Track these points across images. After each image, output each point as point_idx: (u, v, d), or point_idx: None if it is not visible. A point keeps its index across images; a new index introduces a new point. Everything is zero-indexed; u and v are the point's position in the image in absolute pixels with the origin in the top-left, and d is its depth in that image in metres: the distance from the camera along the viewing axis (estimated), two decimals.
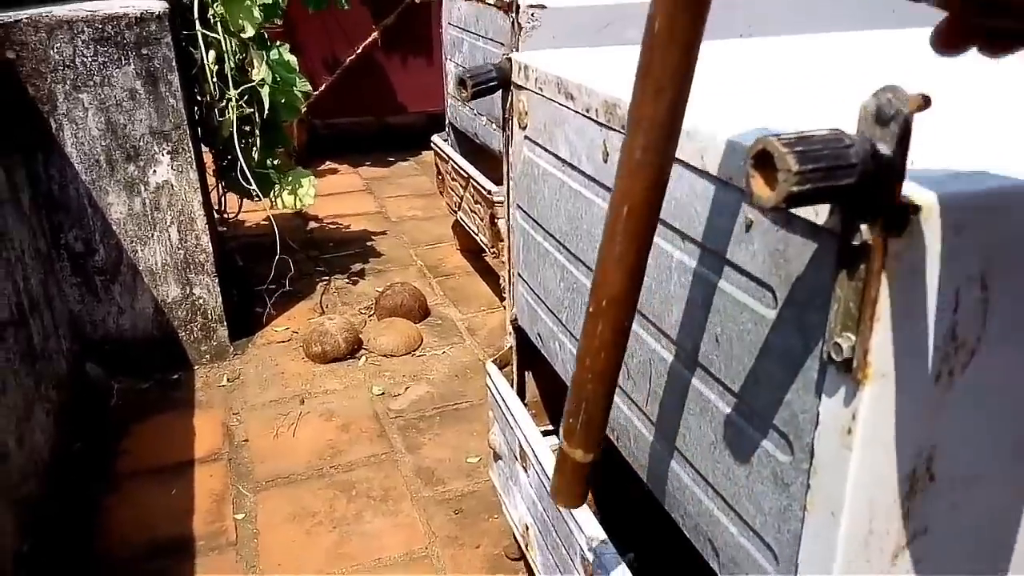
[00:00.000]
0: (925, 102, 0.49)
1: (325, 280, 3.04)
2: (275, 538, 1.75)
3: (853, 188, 0.49)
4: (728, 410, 0.76)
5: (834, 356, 0.57)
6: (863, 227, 0.53)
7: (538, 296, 1.28)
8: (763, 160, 0.48)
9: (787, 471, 0.69)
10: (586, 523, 1.05)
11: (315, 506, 1.85)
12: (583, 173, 1.01)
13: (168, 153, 2.22)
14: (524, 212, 1.27)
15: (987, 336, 0.59)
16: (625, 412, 1.01)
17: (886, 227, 0.52)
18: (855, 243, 0.53)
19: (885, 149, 0.50)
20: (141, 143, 2.19)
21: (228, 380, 2.38)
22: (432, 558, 1.69)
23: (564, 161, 1.06)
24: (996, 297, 0.57)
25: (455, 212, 2.96)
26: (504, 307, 1.65)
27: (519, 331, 1.44)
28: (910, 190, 0.53)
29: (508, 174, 1.31)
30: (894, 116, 0.49)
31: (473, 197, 2.66)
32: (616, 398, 1.02)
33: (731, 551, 0.79)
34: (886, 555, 0.65)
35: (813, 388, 0.63)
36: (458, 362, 2.50)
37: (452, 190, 2.92)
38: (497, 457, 1.50)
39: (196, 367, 2.44)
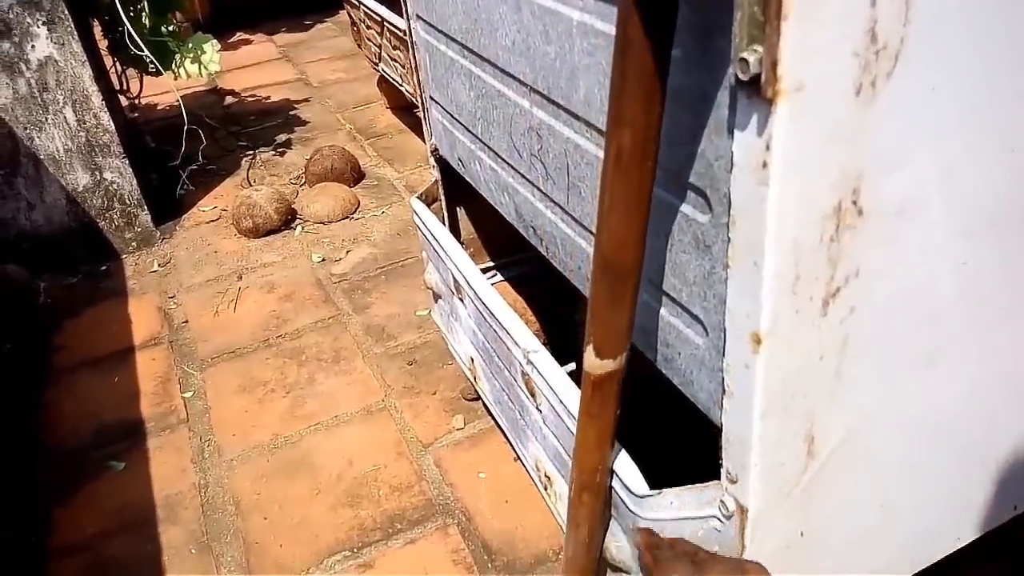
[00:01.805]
0: None
1: (249, 154, 2.88)
2: (227, 410, 1.71)
3: None
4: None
5: (741, 75, 0.50)
6: None
7: (452, 116, 1.18)
8: None
9: (707, 231, 0.63)
10: (521, 336, 1.01)
11: (265, 375, 1.80)
12: None
13: (44, 24, 2.00)
14: (424, 21, 1.15)
15: (911, 35, 0.52)
16: (549, 216, 0.94)
17: None
18: None
19: None
20: (11, 15, 1.97)
21: (159, 265, 2.27)
22: (390, 409, 1.68)
23: None
24: None
25: (376, 65, 2.78)
26: None
27: (441, 162, 1.35)
28: None
29: None
30: None
31: (391, 43, 2.48)
32: (538, 203, 0.96)
33: (663, 334, 0.75)
34: (816, 303, 0.61)
35: (725, 128, 0.56)
36: (399, 220, 2.42)
37: (369, 40, 2.73)
38: (437, 297, 1.45)
39: (124, 256, 2.32)
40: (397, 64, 2.51)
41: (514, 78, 0.91)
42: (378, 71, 2.81)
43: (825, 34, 0.49)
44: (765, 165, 0.53)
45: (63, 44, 2.04)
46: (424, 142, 2.87)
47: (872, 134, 0.55)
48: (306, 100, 3.35)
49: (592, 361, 0.72)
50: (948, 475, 0.84)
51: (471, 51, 1.01)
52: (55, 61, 2.05)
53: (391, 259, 2.22)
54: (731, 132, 0.55)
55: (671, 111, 0.60)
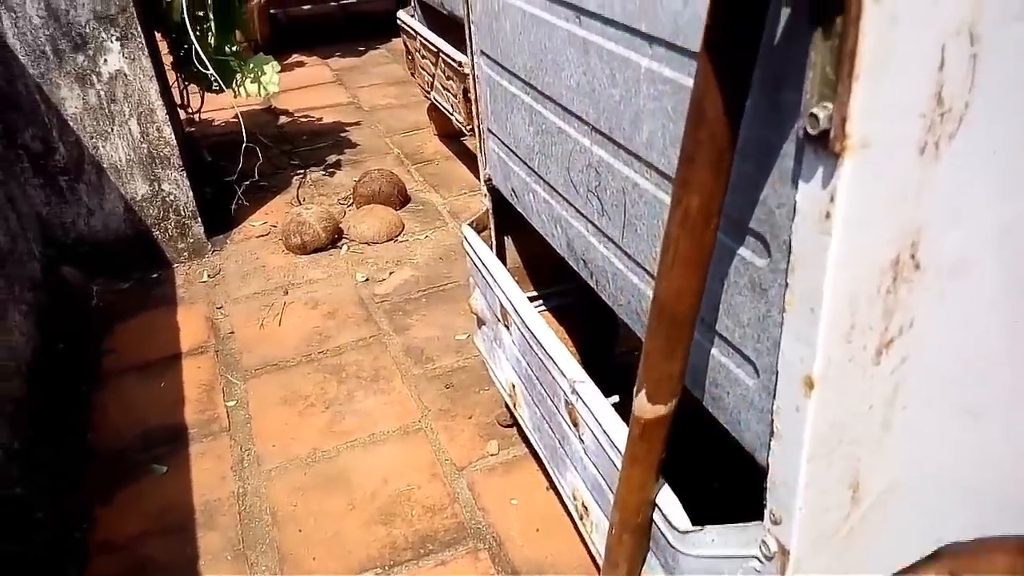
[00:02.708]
0: None
1: (300, 173, 2.96)
2: (268, 421, 1.75)
3: None
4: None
5: (810, 130, 0.52)
6: None
7: (509, 148, 1.22)
8: None
9: (764, 276, 0.65)
10: (567, 367, 1.03)
11: (306, 390, 1.84)
12: None
13: (117, 39, 2.10)
14: (487, 57, 1.19)
15: (975, 100, 0.54)
16: (602, 251, 0.97)
17: None
18: None
19: None
20: (87, 30, 2.06)
21: (209, 276, 2.33)
22: (426, 430, 1.70)
23: None
24: (985, 53, 0.52)
25: (428, 93, 2.84)
26: None
27: (494, 191, 1.38)
28: None
29: (468, 18, 1.22)
30: None
31: (444, 73, 2.55)
32: (592, 238, 0.98)
33: (712, 374, 0.77)
34: (869, 352, 0.62)
35: (789, 178, 0.58)
36: (441, 245, 2.46)
37: (423, 69, 2.80)
38: (481, 323, 1.47)
39: (175, 265, 2.39)
40: (449, 93, 2.57)
41: (576, 116, 0.94)
42: (429, 99, 2.88)
43: (894, 95, 0.51)
44: (828, 216, 0.55)
45: (134, 59, 2.13)
46: (469, 170, 2.94)
47: (933, 192, 0.56)
48: (357, 123, 3.43)
49: (643, 405, 0.74)
50: (985, 529, 0.84)
51: (534, 88, 1.04)
52: (125, 75, 2.14)
53: (433, 283, 2.26)
54: (795, 182, 0.57)
55: (737, 160, 0.63)
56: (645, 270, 0.86)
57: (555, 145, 1.02)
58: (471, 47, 1.26)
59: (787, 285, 0.61)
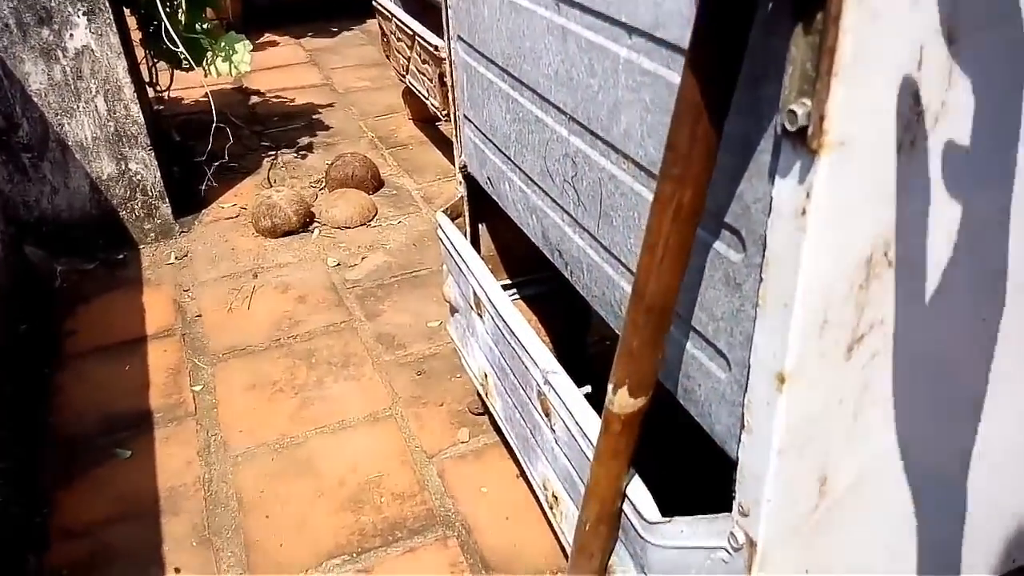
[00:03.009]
0: None
1: (271, 155, 2.92)
2: (235, 407, 1.73)
3: None
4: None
5: (788, 126, 0.52)
6: None
7: (485, 136, 1.21)
8: None
9: (739, 270, 0.65)
10: (540, 357, 1.02)
11: (274, 375, 1.82)
12: None
13: (84, 14, 2.04)
14: (465, 42, 1.18)
15: (951, 99, 0.54)
16: (577, 242, 0.96)
17: None
18: None
19: None
20: (53, 3, 2.00)
21: (176, 258, 2.29)
22: (396, 417, 1.69)
23: None
24: (962, 53, 0.52)
25: (403, 76, 2.81)
26: None
27: (469, 179, 1.37)
28: None
29: (446, 1, 1.21)
30: None
31: (420, 57, 2.52)
32: (567, 228, 0.98)
33: (685, 367, 0.77)
34: (841, 347, 0.63)
35: (766, 173, 0.58)
36: (415, 230, 2.45)
37: (399, 52, 2.77)
38: (454, 310, 1.47)
39: (141, 246, 2.35)
40: (424, 78, 2.55)
41: (553, 106, 0.93)
42: (404, 83, 2.85)
43: (872, 93, 0.51)
44: (804, 212, 0.55)
45: (101, 35, 2.08)
46: (444, 156, 2.92)
47: (908, 190, 0.57)
48: (330, 105, 3.38)
49: (624, 401, 0.74)
50: (951, 524, 0.86)
51: (511, 76, 1.03)
52: (92, 51, 2.09)
53: (405, 268, 2.24)
54: (772, 178, 0.57)
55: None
56: (620, 261, 0.86)
57: (532, 134, 1.02)
58: (448, 32, 1.25)
59: (761, 280, 0.61)
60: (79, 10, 2.03)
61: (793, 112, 0.52)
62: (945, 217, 0.61)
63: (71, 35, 2.06)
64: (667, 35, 0.68)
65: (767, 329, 0.62)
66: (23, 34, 2.01)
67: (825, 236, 0.56)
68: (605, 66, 0.79)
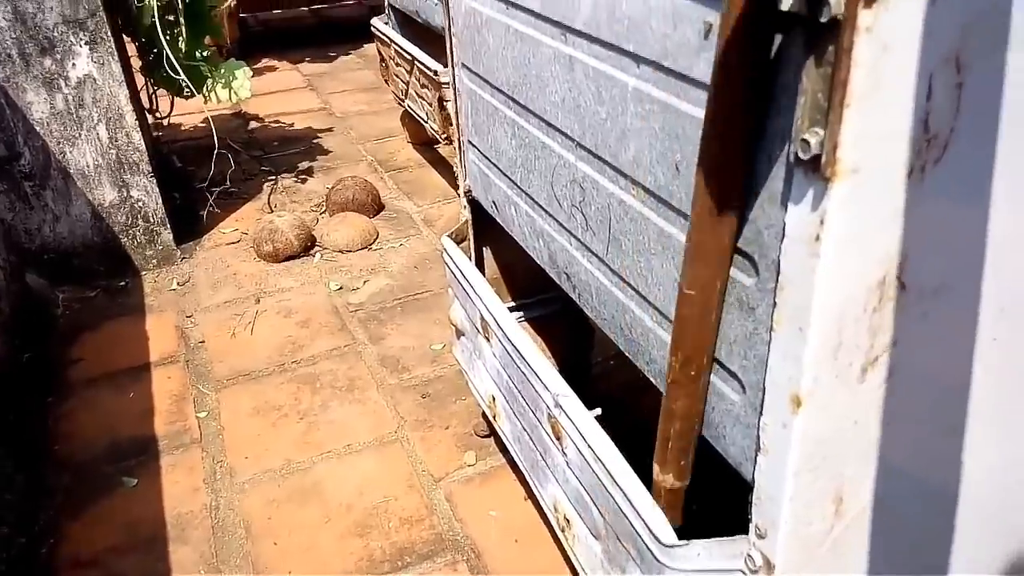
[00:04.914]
0: None
1: (271, 180, 2.93)
2: (240, 432, 1.72)
3: None
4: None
5: (801, 155, 0.54)
6: (831, 0, 0.48)
7: (490, 160, 1.22)
8: None
9: (752, 294, 0.66)
10: (550, 380, 1.03)
11: (279, 400, 1.82)
12: (528, 11, 0.94)
13: (86, 44, 2.06)
14: (469, 70, 1.19)
15: (960, 125, 0.55)
16: (585, 265, 0.97)
17: None
18: (823, 20, 0.49)
19: None
20: (55, 33, 2.02)
21: (178, 284, 2.30)
22: (402, 441, 1.69)
23: (508, 2, 0.99)
24: (970, 82, 0.54)
25: (402, 101, 2.84)
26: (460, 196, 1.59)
27: (473, 203, 1.38)
28: None
29: (450, 30, 1.22)
30: None
31: (419, 81, 2.54)
32: (575, 251, 0.99)
33: None
34: (855, 369, 0.63)
35: (779, 199, 0.59)
36: (416, 253, 2.45)
37: (397, 76, 2.79)
38: (460, 334, 1.47)
39: (143, 273, 2.35)
40: (423, 101, 2.57)
41: (560, 132, 0.94)
42: (403, 107, 2.87)
43: (883, 122, 0.52)
44: (817, 238, 0.56)
45: (103, 64, 2.10)
46: (443, 178, 2.93)
47: (919, 214, 0.58)
48: (329, 130, 3.40)
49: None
50: (965, 543, 0.86)
51: (517, 102, 1.05)
52: (93, 79, 2.11)
53: (408, 291, 2.25)
54: (784, 204, 0.59)
55: None
56: (629, 285, 0.87)
57: (538, 159, 1.03)
58: (452, 59, 1.26)
59: (775, 304, 0.62)
60: (81, 40, 2.05)
61: (806, 141, 0.53)
62: (956, 240, 0.62)
63: (73, 64, 2.07)
64: (675, 65, 0.69)
65: (782, 352, 0.63)
66: (26, 64, 2.03)
67: (839, 261, 0.57)
68: (613, 94, 0.80)
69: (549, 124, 0.97)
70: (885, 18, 0.48)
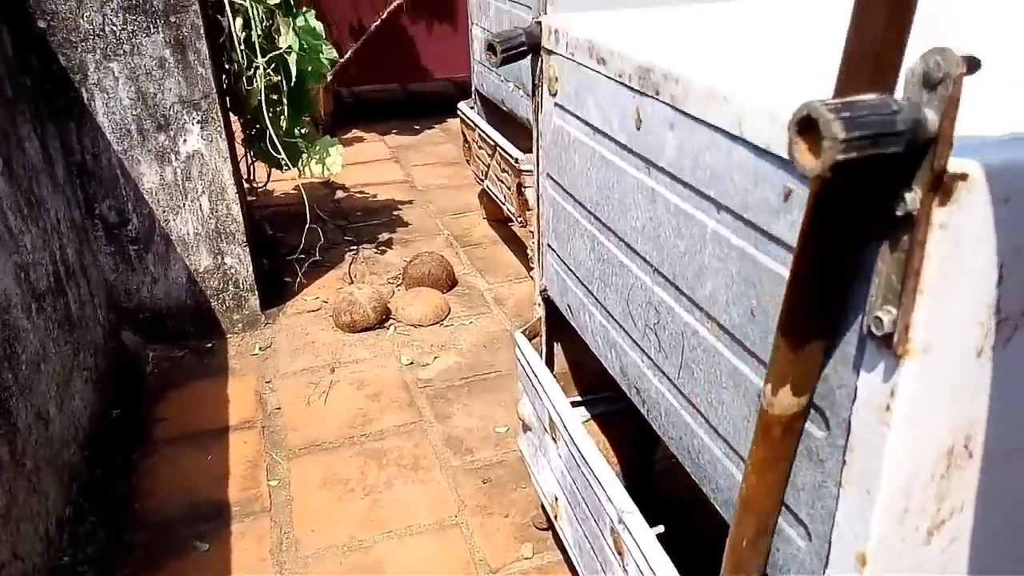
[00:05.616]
0: (974, 65, 0.47)
1: (353, 250, 3.05)
2: (308, 504, 1.78)
3: (899, 156, 0.47)
4: (763, 385, 0.75)
5: (874, 331, 0.56)
6: (908, 196, 0.51)
7: (568, 267, 1.27)
8: (807, 126, 0.47)
9: (822, 447, 0.68)
10: (616, 495, 1.05)
11: (347, 473, 1.87)
12: (615, 141, 0.99)
13: (198, 122, 2.23)
14: (554, 181, 1.25)
15: None
16: (656, 385, 1.00)
17: (931, 196, 0.50)
18: (899, 213, 0.52)
19: (932, 115, 0.48)
20: (171, 112, 2.20)
21: (260, 349, 2.41)
22: (461, 526, 1.71)
23: (596, 129, 1.05)
24: None
25: (481, 181, 2.94)
26: (531, 277, 1.64)
27: (548, 302, 1.43)
28: (957, 158, 0.51)
29: (538, 142, 1.29)
30: (942, 80, 0.47)
31: (500, 166, 2.64)
32: (647, 370, 1.02)
33: None
34: (921, 533, 0.64)
35: (851, 363, 0.62)
36: (485, 332, 2.51)
37: (479, 158, 2.91)
38: (526, 428, 1.50)
39: (229, 336, 2.47)
40: (503, 184, 2.66)
41: (639, 255, 0.98)
42: (482, 186, 2.97)
43: (955, 307, 0.54)
44: (888, 408, 0.58)
45: (211, 141, 2.26)
46: (515, 256, 3.00)
47: (987, 390, 0.59)
48: (410, 202, 3.54)
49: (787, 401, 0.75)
50: None
51: (599, 220, 1.10)
52: (201, 155, 2.27)
53: (475, 370, 2.30)
54: (857, 370, 0.61)
55: None
56: (700, 412, 0.89)
57: (616, 276, 1.07)
58: (538, 167, 1.33)
59: (845, 462, 0.64)
60: (194, 119, 2.22)
61: (879, 319, 0.55)
62: (1022, 411, 0.63)
63: (184, 140, 2.24)
64: (755, 219, 0.72)
65: (850, 510, 0.64)
66: (142, 138, 2.20)
67: (909, 430, 0.58)
68: (692, 232, 0.84)
69: (629, 246, 1.01)
70: (958, 217, 0.51)
